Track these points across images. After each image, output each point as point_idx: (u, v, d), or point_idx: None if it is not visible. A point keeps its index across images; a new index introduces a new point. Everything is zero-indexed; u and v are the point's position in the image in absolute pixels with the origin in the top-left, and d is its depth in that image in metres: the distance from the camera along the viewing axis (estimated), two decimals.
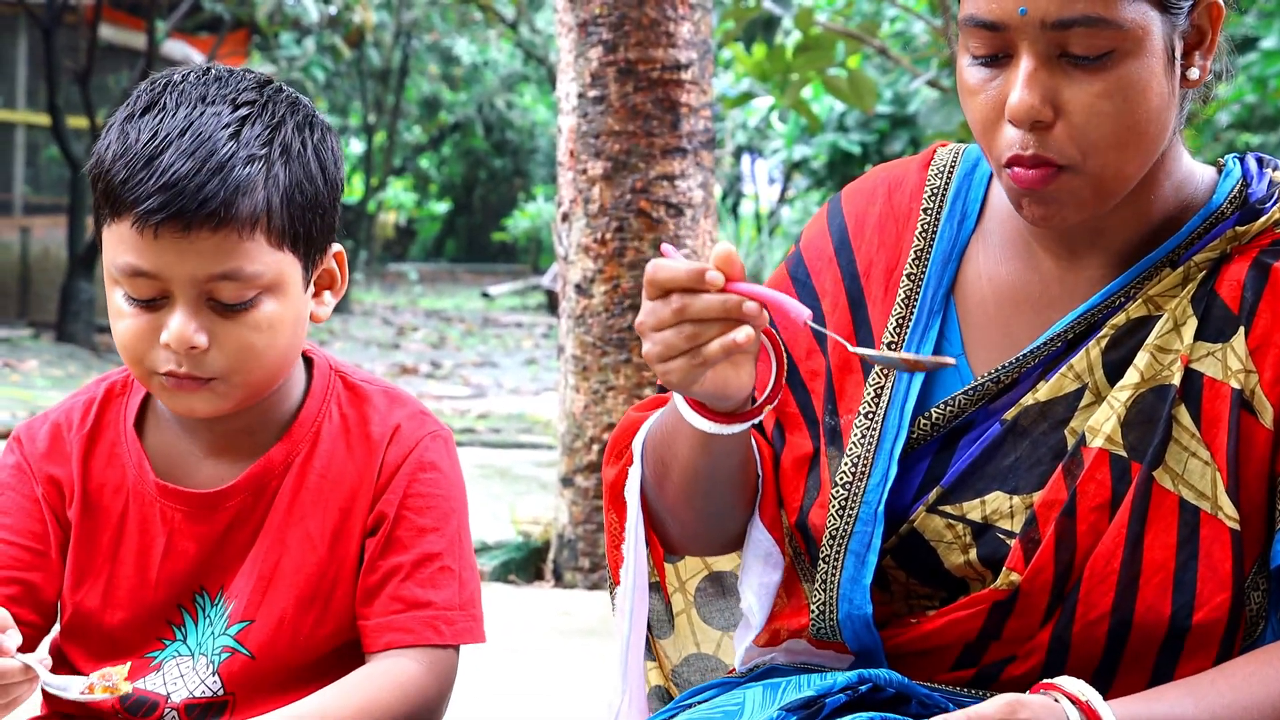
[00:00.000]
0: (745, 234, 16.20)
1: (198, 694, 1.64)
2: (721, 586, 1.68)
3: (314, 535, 1.66)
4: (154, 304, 1.57)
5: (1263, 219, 1.49)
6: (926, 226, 1.59)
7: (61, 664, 1.70)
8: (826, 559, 1.52)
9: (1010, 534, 1.47)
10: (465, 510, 1.71)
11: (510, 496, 5.74)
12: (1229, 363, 1.45)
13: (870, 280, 1.59)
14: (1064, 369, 1.49)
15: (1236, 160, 1.54)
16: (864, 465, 1.52)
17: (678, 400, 1.45)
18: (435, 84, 22.34)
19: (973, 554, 1.49)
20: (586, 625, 3.96)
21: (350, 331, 15.45)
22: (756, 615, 1.59)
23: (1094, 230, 1.50)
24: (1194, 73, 1.46)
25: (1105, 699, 1.38)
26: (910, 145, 13.43)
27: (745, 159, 19.86)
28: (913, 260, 1.57)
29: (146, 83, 1.64)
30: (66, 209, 13.25)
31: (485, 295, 20.69)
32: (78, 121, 13.43)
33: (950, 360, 1.41)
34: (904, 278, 1.57)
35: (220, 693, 1.65)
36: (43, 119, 13.77)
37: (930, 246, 1.58)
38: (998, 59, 1.43)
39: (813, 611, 1.54)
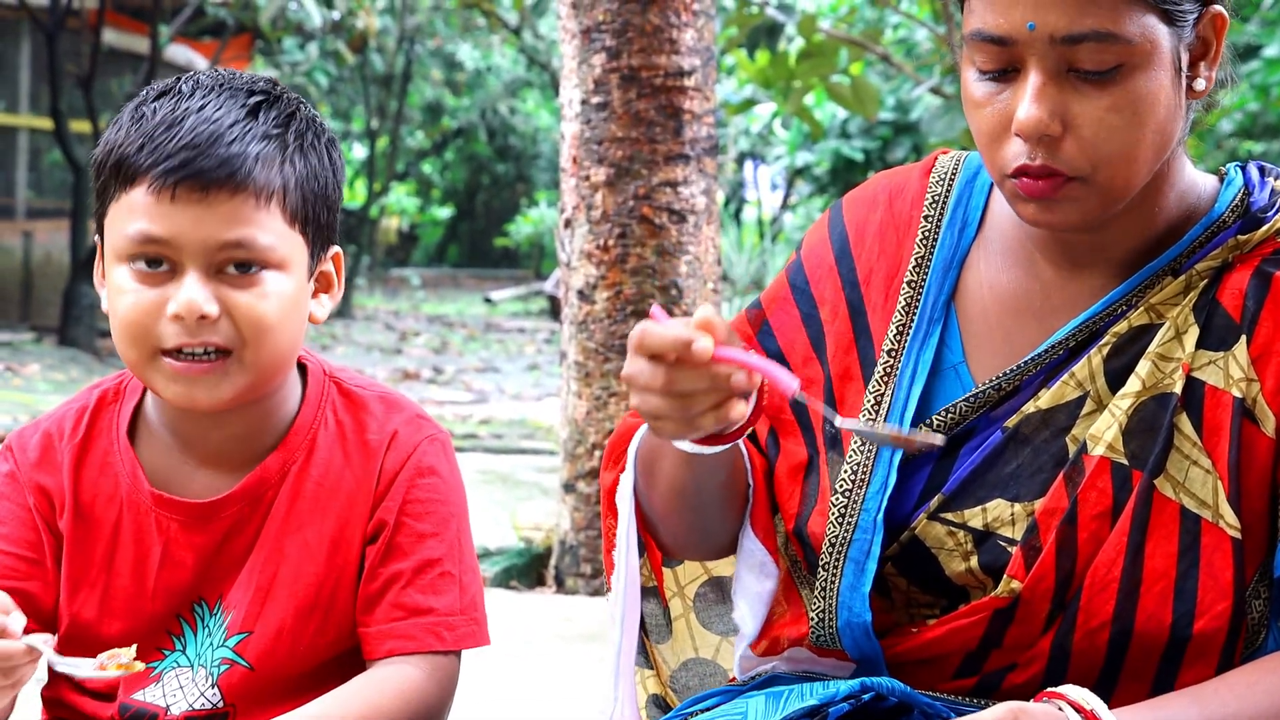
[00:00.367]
0: (748, 240, 16.20)
1: (197, 706, 1.64)
2: (722, 591, 1.68)
3: (312, 544, 1.65)
4: (161, 276, 1.56)
5: (1264, 228, 1.49)
6: (928, 234, 1.59)
7: (62, 676, 1.69)
8: (826, 566, 1.52)
9: (1011, 541, 1.47)
10: (465, 513, 1.70)
11: (512, 502, 5.74)
12: (1231, 371, 1.45)
13: (870, 288, 1.59)
14: (1065, 377, 1.49)
15: (1238, 169, 1.55)
16: (864, 472, 1.52)
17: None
18: (438, 89, 22.36)
19: (974, 561, 1.49)
20: (588, 631, 3.95)
21: (352, 336, 15.45)
22: (749, 624, 1.59)
23: (1096, 239, 1.50)
24: (1200, 83, 1.46)
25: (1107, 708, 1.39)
26: (913, 152, 13.44)
27: (748, 165, 19.87)
28: (913, 268, 1.58)
29: (155, 83, 1.65)
30: (69, 213, 13.26)
31: (488, 300, 20.69)
32: (80, 126, 13.44)
33: (939, 440, 1.41)
34: (904, 285, 1.57)
35: (220, 704, 1.64)
36: (46, 123, 13.78)
37: (931, 254, 1.58)
38: (1004, 73, 1.43)
39: (812, 619, 1.54)
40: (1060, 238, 1.51)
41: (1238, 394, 1.44)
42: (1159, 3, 1.40)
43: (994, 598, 1.46)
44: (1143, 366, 1.46)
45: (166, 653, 1.66)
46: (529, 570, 4.67)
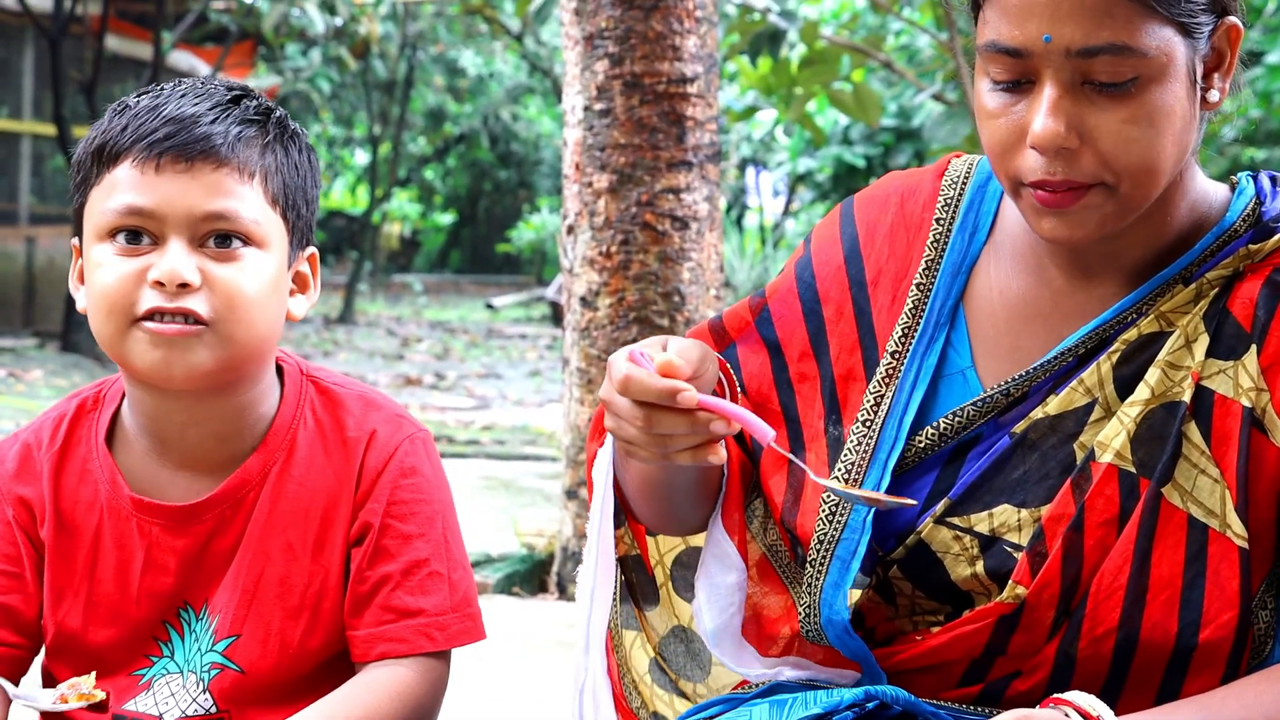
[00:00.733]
0: (750, 246, 16.20)
1: (190, 712, 1.64)
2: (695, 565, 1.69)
3: (296, 545, 1.65)
4: (143, 250, 1.56)
5: (1276, 237, 1.48)
6: (939, 237, 1.58)
7: (51, 684, 1.69)
8: (813, 563, 1.52)
9: (1018, 547, 1.47)
10: (451, 510, 1.70)
11: (514, 509, 5.73)
12: (1240, 380, 1.45)
13: (878, 289, 1.59)
14: (1074, 383, 1.48)
15: (1250, 178, 1.54)
16: (858, 472, 1.52)
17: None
18: (440, 96, 22.36)
19: (979, 566, 1.48)
20: None
21: (354, 342, 15.45)
22: (706, 617, 1.59)
23: (1107, 246, 1.50)
24: (1214, 94, 1.46)
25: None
26: (915, 158, 13.43)
27: (750, 171, 19.87)
28: (923, 270, 1.57)
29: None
30: (72, 220, 13.26)
31: (489, 307, 20.69)
32: (83, 132, 13.35)
33: (910, 502, 1.44)
34: (913, 287, 1.57)
35: (213, 710, 1.64)
36: (48, 129, 13.78)
37: (941, 257, 1.58)
38: (1019, 84, 1.43)
39: (800, 614, 1.54)
40: (1070, 246, 1.51)
41: (1247, 403, 1.44)
42: (1175, 15, 1.39)
43: (999, 603, 1.46)
44: (1152, 374, 1.46)
45: (154, 659, 1.66)
46: (531, 577, 4.66)
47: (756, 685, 1.61)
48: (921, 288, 1.57)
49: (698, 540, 1.68)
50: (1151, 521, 1.44)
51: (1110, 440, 1.46)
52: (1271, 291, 1.46)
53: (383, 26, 17.12)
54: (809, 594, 1.52)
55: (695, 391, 1.36)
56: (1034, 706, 1.44)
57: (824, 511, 1.52)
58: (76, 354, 12.19)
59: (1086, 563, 1.44)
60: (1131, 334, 1.48)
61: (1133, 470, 1.45)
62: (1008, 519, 1.48)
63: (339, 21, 15.81)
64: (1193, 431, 1.45)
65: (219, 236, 1.57)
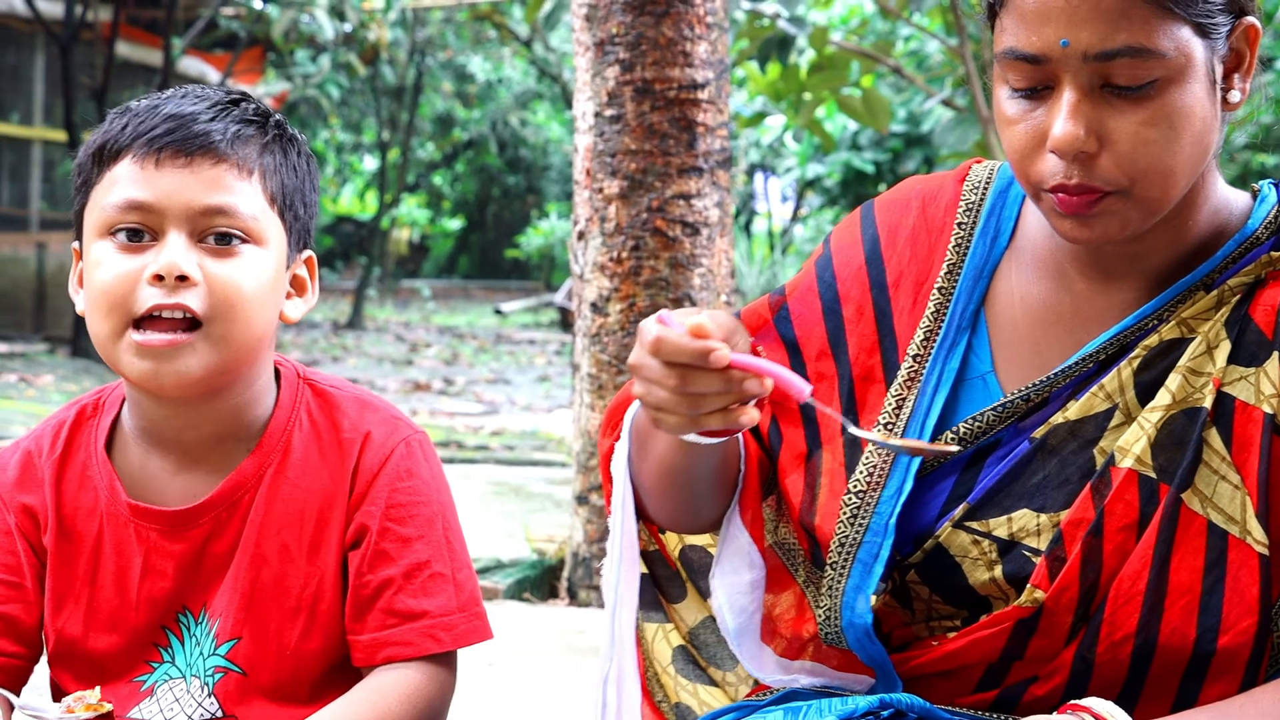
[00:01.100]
0: (758, 252, 16.19)
1: (196, 717, 1.64)
2: (692, 564, 1.70)
3: (292, 546, 1.65)
4: (143, 247, 1.57)
5: None
6: (960, 241, 1.58)
7: (56, 693, 1.69)
8: (834, 565, 1.52)
9: (1036, 552, 1.47)
10: (451, 511, 1.70)
11: (524, 514, 5.73)
12: (1262, 387, 1.45)
13: (899, 291, 1.59)
14: (1094, 389, 1.48)
15: (1272, 186, 1.54)
16: (880, 475, 1.52)
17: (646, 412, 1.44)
18: (449, 101, 22.39)
19: (998, 571, 1.48)
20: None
21: (363, 348, 15.46)
22: (728, 617, 1.59)
23: (1129, 252, 1.50)
24: (1234, 95, 1.46)
25: None
26: (924, 164, 13.43)
27: (758, 177, 19.87)
28: (945, 274, 1.57)
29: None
30: (73, 223, 13.27)
31: (498, 312, 20.70)
32: None
33: (953, 449, 1.42)
34: (935, 290, 1.57)
35: (219, 714, 1.64)
36: (59, 135, 13.82)
37: (963, 261, 1.58)
38: (1037, 90, 1.43)
39: (819, 616, 1.54)
40: (1093, 250, 1.51)
41: (1268, 410, 1.44)
42: (1192, 16, 1.39)
43: (1017, 607, 1.46)
44: (1173, 380, 1.46)
45: (155, 665, 1.66)
46: (541, 582, 4.66)
47: (773, 691, 1.61)
48: (943, 291, 1.57)
49: (691, 539, 1.68)
50: (1171, 527, 1.43)
51: (1131, 445, 1.45)
52: None
53: (392, 32, 17.14)
54: (830, 597, 1.52)
55: (727, 350, 1.34)
56: (1051, 712, 1.44)
57: (845, 514, 1.52)
58: (86, 359, 12.21)
59: (1105, 568, 1.44)
60: (1153, 340, 1.48)
61: (1153, 476, 1.44)
62: (1027, 524, 1.48)
63: (348, 27, 15.83)
64: (1213, 438, 1.44)
65: (219, 235, 1.58)
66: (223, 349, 1.58)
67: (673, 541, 1.71)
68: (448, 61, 20.61)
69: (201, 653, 1.65)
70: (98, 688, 1.62)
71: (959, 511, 1.50)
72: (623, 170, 4.15)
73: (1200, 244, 1.50)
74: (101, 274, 1.58)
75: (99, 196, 1.59)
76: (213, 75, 15.08)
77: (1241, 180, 1.56)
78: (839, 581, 1.51)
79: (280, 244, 1.63)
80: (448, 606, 1.65)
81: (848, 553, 1.51)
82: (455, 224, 27.80)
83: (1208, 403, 1.45)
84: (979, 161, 1.65)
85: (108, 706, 1.59)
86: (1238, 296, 1.48)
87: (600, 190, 4.18)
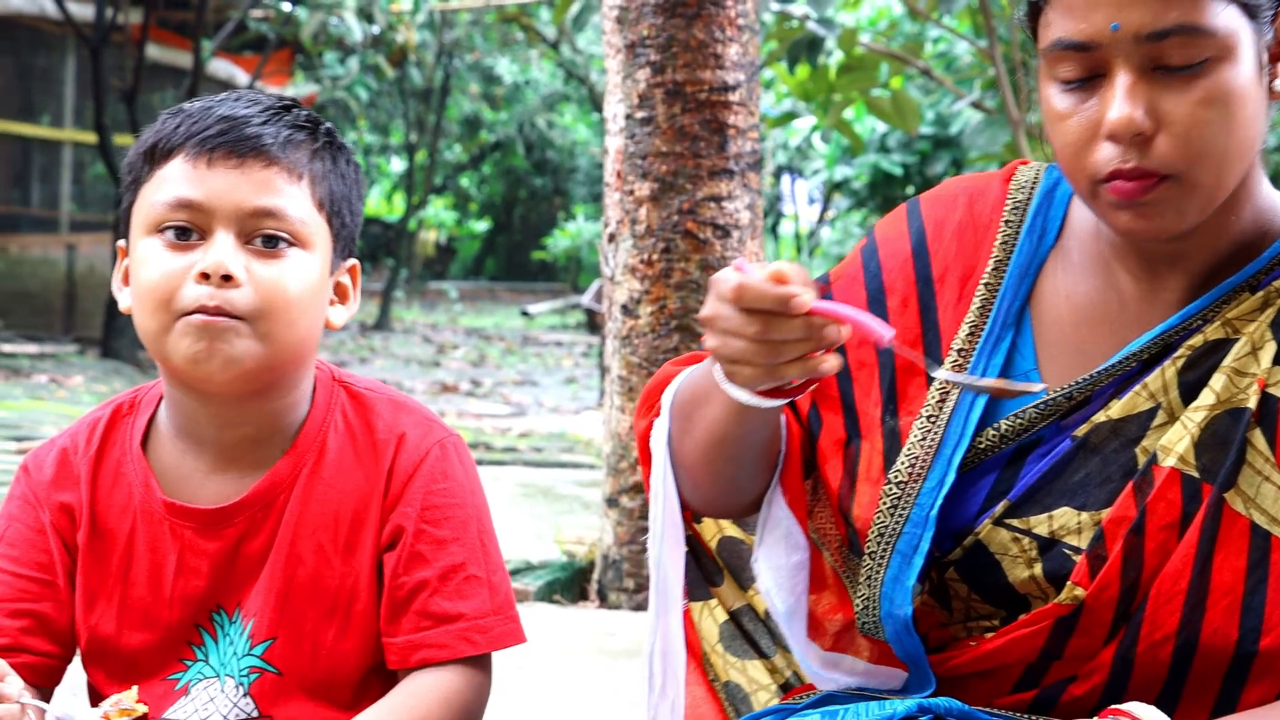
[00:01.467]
0: (785, 254, 16.18)
1: (232, 717, 1.64)
2: (731, 551, 1.70)
3: (327, 546, 1.65)
4: (190, 246, 1.58)
5: None
6: (1007, 239, 1.58)
7: (91, 692, 1.70)
8: (873, 555, 1.51)
9: (1077, 550, 1.46)
10: (485, 513, 1.70)
11: (553, 516, 5.73)
12: None
13: (944, 286, 1.58)
14: (1138, 388, 1.48)
15: None
16: (921, 466, 1.51)
17: (715, 371, 1.43)
18: (476, 103, 22.43)
19: (1038, 569, 1.48)
20: (631, 646, 3.95)
21: (391, 349, 15.51)
22: (777, 600, 1.58)
23: (1174, 251, 1.49)
24: None
25: None
26: (952, 167, 13.39)
27: (785, 179, 19.85)
28: (991, 270, 1.57)
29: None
30: (112, 226, 13.36)
31: (525, 314, 20.73)
32: (124, 140, 13.53)
33: (1038, 387, 1.41)
34: (980, 286, 1.57)
35: (255, 714, 1.64)
36: (90, 137, 13.89)
37: (1009, 258, 1.57)
38: (1088, 82, 1.43)
39: (856, 606, 1.53)
40: (1139, 250, 1.51)
41: None
42: None
43: (1057, 604, 1.45)
44: (1217, 380, 1.45)
45: (189, 663, 1.66)
46: (572, 585, 4.66)
47: (809, 695, 1.61)
48: (989, 287, 1.56)
49: (730, 529, 1.68)
50: (1213, 527, 1.43)
51: (1174, 444, 1.45)
52: None
53: (419, 34, 17.19)
54: (868, 587, 1.51)
55: (809, 294, 1.32)
56: (1089, 712, 1.44)
57: (885, 504, 1.51)
58: (116, 360, 12.28)
59: (1146, 566, 1.43)
60: (1197, 340, 1.47)
61: (1195, 475, 1.44)
62: (1067, 521, 1.47)
63: (376, 29, 15.88)
64: (1257, 438, 1.44)
65: (266, 237, 1.59)
66: (270, 348, 1.59)
67: (709, 532, 1.71)
68: (475, 63, 20.65)
69: (235, 652, 1.65)
70: (134, 688, 1.62)
71: (999, 509, 1.50)
72: (654, 172, 4.15)
73: (1245, 244, 1.49)
74: (148, 271, 1.59)
75: (148, 194, 1.60)
76: (242, 77, 15.15)
77: (1273, 182, 1.55)
78: (877, 572, 1.51)
79: (326, 250, 1.64)
80: (482, 609, 1.65)
81: (886, 543, 1.50)
82: (482, 226, 27.86)
83: (1252, 403, 1.44)
84: (1024, 163, 1.65)
85: (143, 709, 1.59)
86: None
87: (631, 192, 4.18)
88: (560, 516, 5.67)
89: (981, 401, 1.52)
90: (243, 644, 1.65)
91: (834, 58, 7.25)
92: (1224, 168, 1.42)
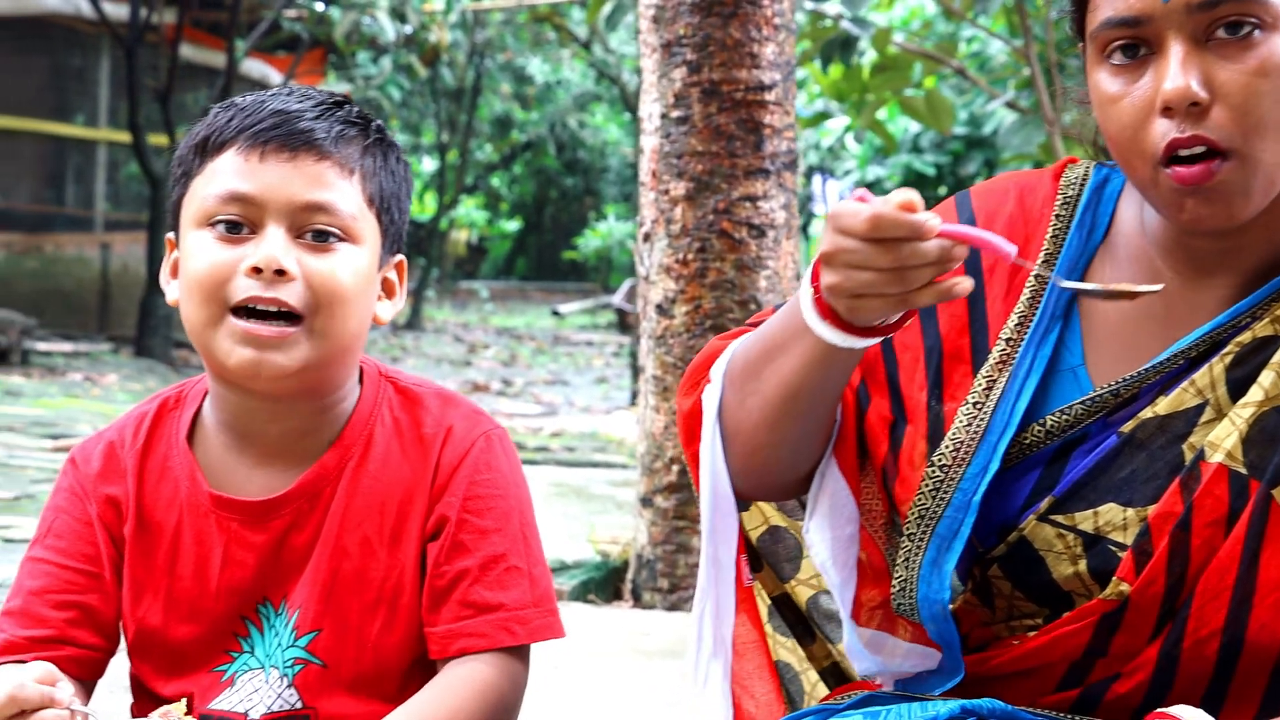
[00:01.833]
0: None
1: (276, 708, 1.64)
2: (776, 539, 1.69)
3: (373, 539, 1.65)
4: (242, 239, 1.58)
5: None
6: (1057, 233, 1.58)
7: (136, 686, 1.71)
8: (911, 537, 1.50)
9: (1122, 546, 1.46)
10: (528, 506, 1.70)
11: (587, 515, 5.74)
12: None
13: (993, 277, 1.58)
14: (1185, 384, 1.47)
15: None
16: (966, 452, 1.50)
17: (807, 313, 1.41)
18: (508, 103, 22.48)
19: (1082, 565, 1.47)
20: (665, 646, 3.95)
21: (422, 349, 15.55)
22: (832, 573, 1.57)
23: (1224, 248, 1.49)
24: None
25: None
26: (985, 167, 13.35)
27: (817, 179, 19.82)
28: (1041, 263, 1.56)
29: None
30: (146, 225, 13.44)
31: (555, 313, 20.76)
32: (158, 139, 13.62)
33: (1157, 287, 1.38)
34: (1031, 278, 1.56)
35: (299, 706, 1.65)
36: (124, 137, 13.98)
37: (1058, 252, 1.57)
38: (1138, 61, 1.42)
39: (894, 586, 1.53)
40: (1186, 248, 1.50)
41: None
42: None
43: (1102, 600, 1.45)
44: (1266, 377, 1.44)
45: (234, 654, 1.67)
46: (606, 584, 4.66)
47: (851, 695, 1.60)
48: (1040, 279, 1.56)
49: (776, 518, 1.68)
50: (1261, 523, 1.42)
51: (1221, 441, 1.44)
52: None
53: (452, 34, 17.23)
54: (905, 569, 1.51)
55: (938, 219, 1.32)
56: (1133, 711, 1.43)
57: (926, 486, 1.50)
58: (150, 359, 12.35)
59: (1192, 562, 1.43)
60: (1245, 337, 1.47)
61: (1243, 471, 1.43)
62: (1113, 517, 1.47)
63: (409, 29, 15.93)
64: None
65: (316, 232, 1.59)
66: (322, 344, 1.59)
67: (752, 523, 1.70)
68: (507, 63, 20.70)
69: (280, 644, 1.66)
70: (184, 700, 1.63)
71: (1044, 504, 1.49)
72: (689, 172, 4.15)
73: None
74: (197, 263, 1.59)
75: (199, 187, 1.61)
76: (275, 77, 15.22)
77: None
78: (915, 554, 1.50)
79: (375, 245, 1.65)
80: (522, 600, 1.65)
81: (926, 526, 1.49)
82: (513, 225, 27.92)
83: None
84: (1073, 160, 1.64)
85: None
86: None
87: (666, 192, 4.18)
88: (594, 516, 5.68)
89: (1029, 392, 1.52)
90: (288, 636, 1.65)
91: (867, 57, 7.23)
92: (1277, 138, 1.40)
